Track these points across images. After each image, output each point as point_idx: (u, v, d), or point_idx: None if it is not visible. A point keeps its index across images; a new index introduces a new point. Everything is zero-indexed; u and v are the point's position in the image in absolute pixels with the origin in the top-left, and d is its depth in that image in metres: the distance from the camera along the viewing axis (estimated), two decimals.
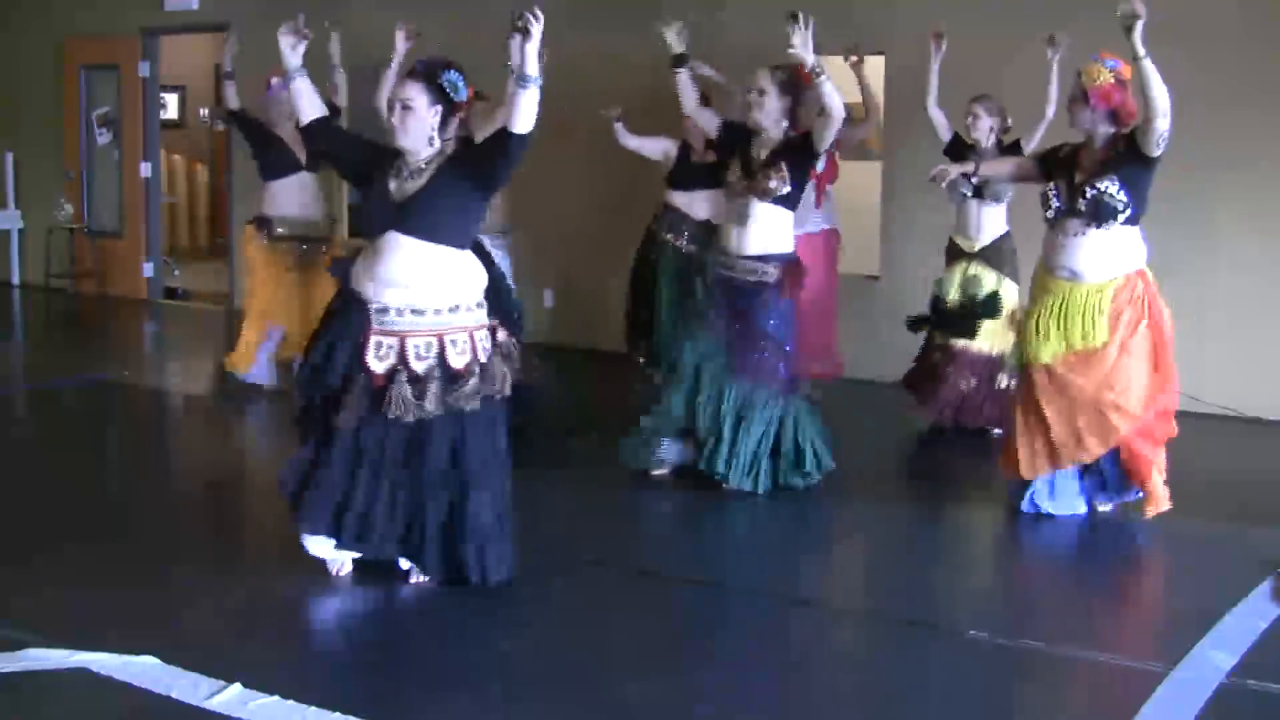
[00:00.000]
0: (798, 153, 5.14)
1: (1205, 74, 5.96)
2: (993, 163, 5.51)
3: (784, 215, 5.24)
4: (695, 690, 3.51)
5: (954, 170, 5.18)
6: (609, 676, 3.66)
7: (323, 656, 3.75)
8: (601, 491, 5.42)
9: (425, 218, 3.95)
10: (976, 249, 6.17)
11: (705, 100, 5.74)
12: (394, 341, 3.98)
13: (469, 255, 4.09)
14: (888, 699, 3.54)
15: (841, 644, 4.02)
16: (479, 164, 4.01)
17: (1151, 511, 4.90)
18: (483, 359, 4.05)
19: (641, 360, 7.33)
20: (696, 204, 7.04)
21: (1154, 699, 3.44)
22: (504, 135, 3.88)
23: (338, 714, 3.24)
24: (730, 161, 5.33)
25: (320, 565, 4.20)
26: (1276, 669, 3.62)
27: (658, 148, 7.07)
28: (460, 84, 4.00)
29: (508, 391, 4.13)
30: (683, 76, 5.48)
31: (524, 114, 3.83)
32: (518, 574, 4.14)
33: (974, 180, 5.65)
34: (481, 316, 4.10)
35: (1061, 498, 5.07)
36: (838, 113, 4.90)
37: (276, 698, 3.32)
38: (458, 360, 4.00)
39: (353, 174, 4.28)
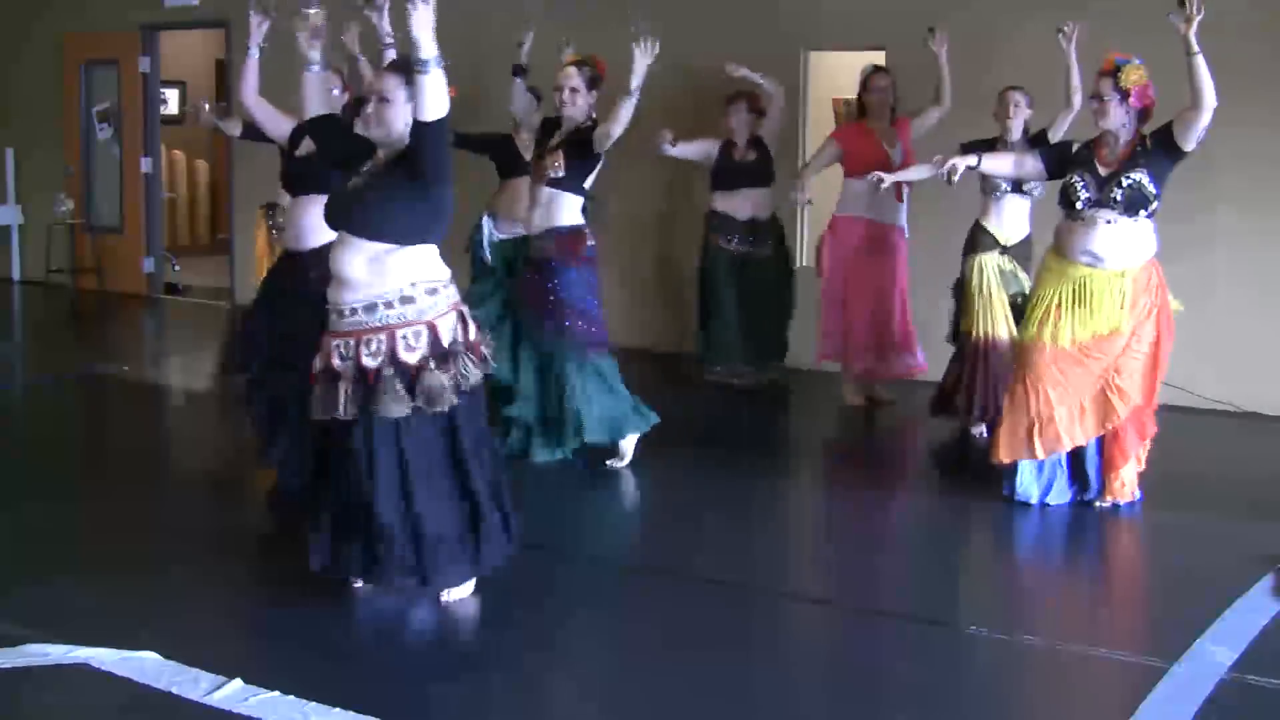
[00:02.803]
0: (578, 144, 5.49)
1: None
2: (994, 157, 5.43)
3: (566, 197, 5.53)
4: (692, 687, 3.51)
5: (961, 164, 5.17)
6: (608, 674, 3.67)
7: (323, 652, 3.74)
8: (599, 486, 5.44)
9: (361, 213, 3.82)
10: (1011, 244, 6.07)
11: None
12: (350, 341, 3.82)
13: (418, 250, 3.85)
14: (888, 695, 3.54)
15: (841, 640, 4.01)
16: (408, 158, 3.81)
17: (1109, 501, 5.05)
18: (404, 357, 3.79)
19: (706, 363, 7.28)
20: (740, 204, 7.03)
21: (1154, 694, 3.44)
22: (415, 126, 3.72)
23: (338, 710, 3.24)
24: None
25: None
26: (1277, 664, 3.62)
27: (700, 150, 6.98)
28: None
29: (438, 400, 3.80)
30: (519, 84, 6.48)
31: (427, 99, 3.64)
32: (519, 571, 4.14)
33: (977, 170, 5.57)
34: (407, 312, 3.82)
35: (1050, 489, 5.12)
36: (616, 128, 5.34)
37: (277, 693, 3.32)
38: (408, 356, 3.78)
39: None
